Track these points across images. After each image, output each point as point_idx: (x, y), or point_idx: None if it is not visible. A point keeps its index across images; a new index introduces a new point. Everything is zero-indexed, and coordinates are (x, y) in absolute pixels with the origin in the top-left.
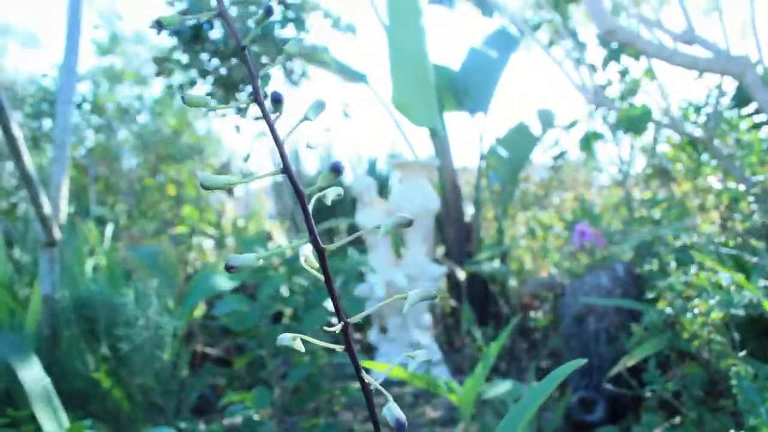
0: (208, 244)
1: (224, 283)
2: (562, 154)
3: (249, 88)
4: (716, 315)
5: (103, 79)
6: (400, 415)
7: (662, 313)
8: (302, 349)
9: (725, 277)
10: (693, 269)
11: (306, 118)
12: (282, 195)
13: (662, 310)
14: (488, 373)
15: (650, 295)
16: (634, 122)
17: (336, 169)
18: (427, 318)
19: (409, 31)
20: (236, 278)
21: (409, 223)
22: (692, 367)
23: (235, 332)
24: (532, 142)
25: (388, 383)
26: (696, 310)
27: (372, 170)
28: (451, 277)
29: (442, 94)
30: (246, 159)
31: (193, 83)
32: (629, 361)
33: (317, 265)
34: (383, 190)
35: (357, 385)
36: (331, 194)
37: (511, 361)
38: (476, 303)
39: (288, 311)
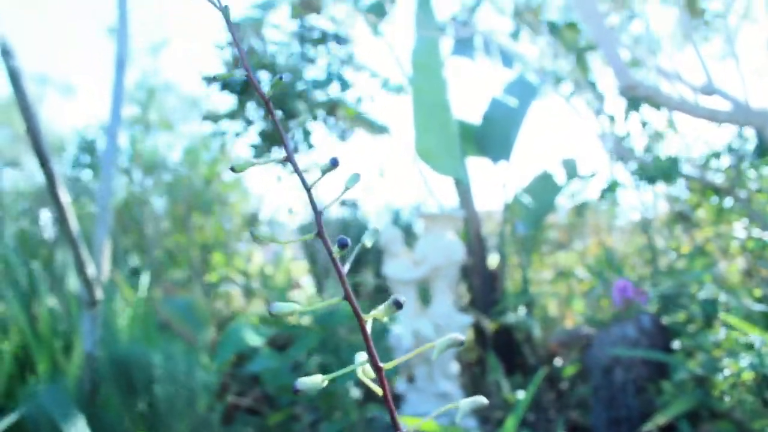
0: (237, 291)
1: (255, 337)
2: (584, 204)
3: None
4: (747, 376)
5: (137, 129)
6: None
7: (692, 372)
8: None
9: (756, 339)
10: (722, 332)
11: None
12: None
13: (692, 369)
14: (517, 428)
15: (677, 347)
16: (662, 173)
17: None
18: (454, 367)
19: (432, 82)
20: (266, 333)
21: (461, 343)
22: (724, 424)
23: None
24: (556, 191)
25: None
26: (727, 371)
27: (396, 220)
28: (476, 326)
29: (465, 143)
30: (290, 212)
31: (238, 134)
32: (660, 420)
33: (372, 374)
34: (408, 239)
35: None
36: (368, 238)
37: (539, 411)
38: (502, 352)
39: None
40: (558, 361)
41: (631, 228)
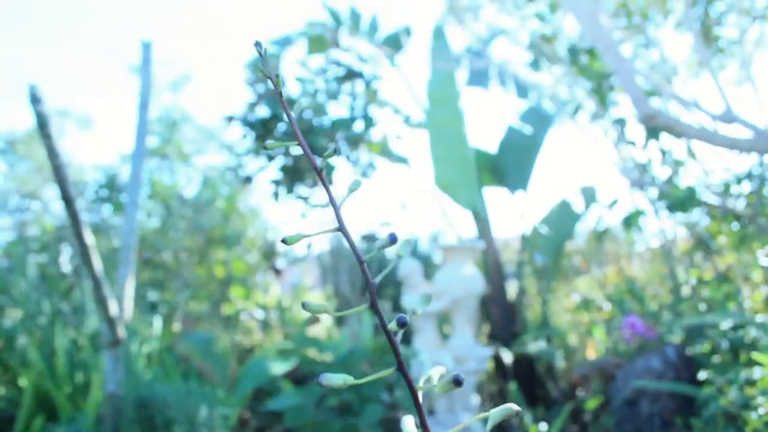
0: (255, 324)
1: (275, 369)
2: (604, 232)
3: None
4: None
5: (155, 162)
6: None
7: (723, 408)
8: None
9: None
10: (758, 371)
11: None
12: (328, 269)
13: (724, 405)
14: None
15: (703, 379)
16: (679, 203)
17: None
18: (475, 400)
19: (448, 114)
20: (285, 365)
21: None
22: None
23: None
24: (575, 219)
25: None
26: (762, 410)
27: (415, 251)
28: (497, 357)
29: (482, 173)
30: (309, 246)
31: (261, 169)
32: None
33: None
34: (427, 270)
35: None
36: (401, 248)
37: None
38: (523, 384)
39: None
40: (581, 393)
41: (651, 255)
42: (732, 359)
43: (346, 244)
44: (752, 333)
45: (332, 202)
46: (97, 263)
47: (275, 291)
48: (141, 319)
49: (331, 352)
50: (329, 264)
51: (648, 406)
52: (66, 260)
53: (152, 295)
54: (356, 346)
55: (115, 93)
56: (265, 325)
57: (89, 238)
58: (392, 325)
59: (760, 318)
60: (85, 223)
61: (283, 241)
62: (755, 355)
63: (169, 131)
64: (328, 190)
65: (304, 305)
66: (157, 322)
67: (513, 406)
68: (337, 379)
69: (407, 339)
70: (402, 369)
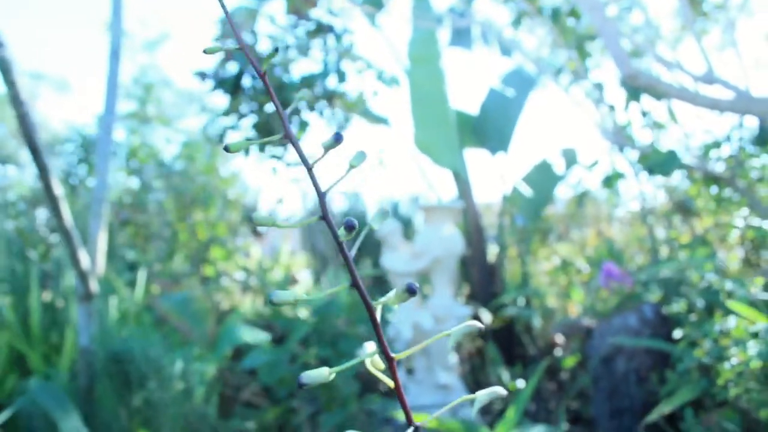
0: (235, 285)
1: (252, 334)
2: (584, 194)
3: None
4: (755, 365)
5: (134, 124)
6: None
7: (697, 360)
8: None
9: (763, 327)
10: (731, 320)
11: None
12: (307, 230)
13: (698, 357)
14: (519, 416)
15: (679, 337)
16: (660, 166)
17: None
18: (453, 359)
19: (429, 74)
20: (263, 328)
21: (480, 330)
22: (728, 414)
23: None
24: (556, 181)
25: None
26: (734, 360)
27: (395, 212)
28: (476, 318)
29: (463, 134)
30: (280, 202)
31: (232, 128)
32: (665, 409)
33: (381, 366)
34: (407, 231)
35: (389, 429)
36: (376, 220)
37: (539, 402)
38: (502, 344)
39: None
40: (558, 352)
41: (630, 219)
42: (707, 317)
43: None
44: (728, 287)
45: (303, 160)
46: (67, 214)
47: (256, 253)
48: (118, 279)
49: (307, 307)
50: (308, 225)
51: (624, 363)
52: (43, 223)
53: (130, 256)
54: (332, 301)
55: (93, 58)
56: (246, 287)
57: (58, 188)
58: (341, 232)
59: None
60: (54, 174)
61: (226, 149)
62: (730, 304)
63: (146, 92)
64: (296, 146)
65: (252, 218)
66: (135, 282)
67: (499, 390)
68: (287, 296)
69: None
70: (356, 283)
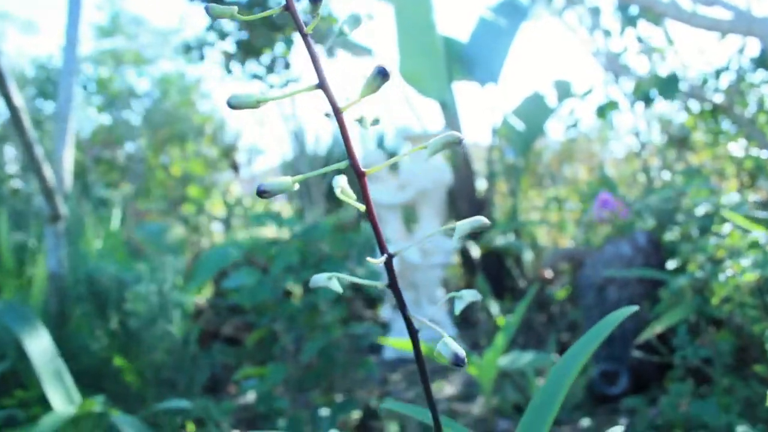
0: (215, 224)
1: (235, 255)
2: (575, 123)
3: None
4: (750, 276)
5: (106, 60)
6: (458, 349)
7: (691, 277)
8: (339, 289)
9: (760, 235)
10: (726, 227)
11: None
12: (292, 169)
13: (691, 273)
14: (507, 346)
15: (675, 264)
16: (661, 90)
17: (382, 74)
18: (441, 293)
19: (416, 1)
20: (246, 251)
21: (459, 141)
22: (722, 333)
23: (245, 310)
24: (548, 113)
25: (402, 360)
26: (729, 272)
27: (381, 144)
28: (464, 251)
29: (452, 65)
30: (261, 125)
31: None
32: (658, 327)
33: (353, 196)
34: (392, 164)
35: (374, 358)
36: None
37: (529, 334)
38: (491, 278)
39: (297, 290)
40: (550, 285)
41: (624, 156)
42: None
43: (307, 143)
44: (724, 201)
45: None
46: (30, 129)
47: (235, 190)
48: (91, 214)
49: (289, 228)
50: (292, 164)
51: (616, 292)
52: (12, 160)
53: (103, 194)
54: (316, 225)
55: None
56: (226, 226)
57: (18, 99)
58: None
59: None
60: (11, 79)
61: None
62: (726, 213)
63: (115, 23)
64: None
65: (231, 103)
66: (109, 217)
67: (483, 220)
68: (282, 184)
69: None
70: (323, 85)
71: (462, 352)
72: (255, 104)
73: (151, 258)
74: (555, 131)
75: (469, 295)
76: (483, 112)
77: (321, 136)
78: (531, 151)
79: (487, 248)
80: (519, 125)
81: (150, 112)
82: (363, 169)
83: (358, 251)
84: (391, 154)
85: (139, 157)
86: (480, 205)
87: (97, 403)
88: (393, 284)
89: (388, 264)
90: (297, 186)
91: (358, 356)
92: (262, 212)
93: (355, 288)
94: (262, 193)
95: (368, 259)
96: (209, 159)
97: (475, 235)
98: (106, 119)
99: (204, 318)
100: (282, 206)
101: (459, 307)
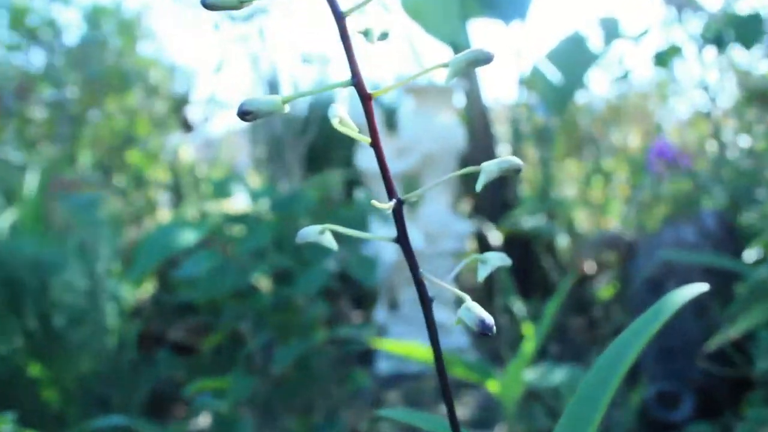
0: (161, 198)
1: (188, 237)
2: (626, 74)
3: None
4: None
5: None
6: (485, 314)
7: None
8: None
9: None
10: None
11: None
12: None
13: None
14: (536, 358)
15: (754, 253)
16: (739, 32)
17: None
18: (451, 290)
19: None
20: (204, 232)
21: (490, 59)
22: None
23: (199, 308)
24: (590, 60)
25: (400, 376)
26: None
27: (376, 98)
28: (481, 236)
29: None
30: (218, 69)
31: None
32: (732, 333)
33: (354, 127)
34: (390, 121)
35: (364, 370)
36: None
37: (564, 342)
38: (516, 270)
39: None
40: (591, 280)
41: (689, 118)
42: None
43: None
44: None
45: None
46: None
47: (188, 155)
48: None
49: (260, 201)
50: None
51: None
52: None
53: (16, 156)
54: (295, 196)
55: None
56: (175, 199)
57: None
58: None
59: None
60: None
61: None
62: None
63: None
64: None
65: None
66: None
67: (516, 161)
68: (269, 101)
69: None
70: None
71: (490, 317)
72: (237, 4)
73: (80, 237)
74: (599, 84)
75: (496, 259)
76: (506, 59)
77: (301, 87)
78: (568, 110)
79: (511, 233)
80: (554, 76)
81: (78, 53)
82: (369, 91)
83: (349, 244)
84: (389, 111)
85: (64, 112)
86: (501, 178)
87: (4, 422)
88: (402, 238)
89: (397, 212)
90: (288, 108)
91: (345, 368)
92: (223, 179)
93: (343, 279)
94: (244, 114)
95: (373, 202)
96: (154, 115)
97: (495, 215)
98: (19, 60)
99: (146, 317)
100: (248, 174)
101: (483, 274)
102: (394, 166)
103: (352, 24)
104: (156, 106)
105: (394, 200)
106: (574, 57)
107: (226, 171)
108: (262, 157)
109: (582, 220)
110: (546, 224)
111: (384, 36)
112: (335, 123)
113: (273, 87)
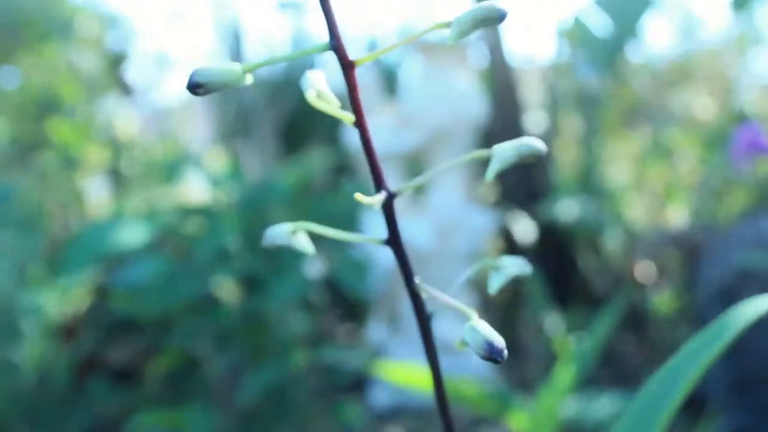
0: (94, 183)
1: (132, 237)
2: (693, 26)
3: None
4: None
5: None
6: (493, 336)
7: None
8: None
9: None
10: None
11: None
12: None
13: None
14: (576, 385)
15: None
16: None
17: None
18: (469, 300)
19: None
20: (153, 228)
21: (503, 17)
22: None
23: (146, 324)
24: (644, 6)
25: (400, 409)
26: None
27: (372, 50)
28: (507, 231)
29: None
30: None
31: None
32: None
33: (335, 101)
34: (391, 85)
35: (355, 403)
36: None
37: (613, 366)
38: (550, 275)
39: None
40: (648, 287)
41: None
42: None
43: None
44: None
45: None
46: None
47: (129, 128)
48: None
49: (223, 189)
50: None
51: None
52: None
53: None
54: (268, 186)
55: None
56: (115, 185)
57: None
58: None
59: None
60: None
61: None
62: None
63: None
64: None
65: None
66: None
67: (539, 144)
68: (227, 71)
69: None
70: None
71: (500, 339)
72: None
73: None
74: (659, 38)
75: (512, 266)
76: (539, 7)
77: (273, 45)
78: (619, 70)
79: (545, 227)
80: (599, 26)
81: None
82: (351, 59)
83: (335, 226)
84: (390, 72)
85: None
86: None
87: None
88: (394, 239)
89: (388, 208)
90: (250, 79)
91: (331, 399)
92: (176, 160)
93: (330, 287)
94: (195, 87)
95: (357, 196)
96: (85, 75)
97: (524, 205)
98: None
99: (79, 337)
100: (205, 151)
101: (495, 285)
102: (396, 143)
103: None
104: (87, 64)
105: (384, 193)
106: (626, 3)
107: (180, 150)
108: (227, 131)
109: (636, 211)
110: (590, 217)
111: None
112: (311, 96)
113: (237, 42)
